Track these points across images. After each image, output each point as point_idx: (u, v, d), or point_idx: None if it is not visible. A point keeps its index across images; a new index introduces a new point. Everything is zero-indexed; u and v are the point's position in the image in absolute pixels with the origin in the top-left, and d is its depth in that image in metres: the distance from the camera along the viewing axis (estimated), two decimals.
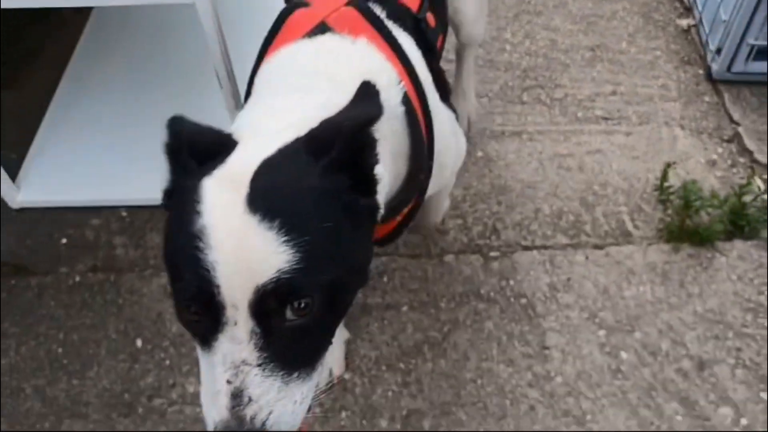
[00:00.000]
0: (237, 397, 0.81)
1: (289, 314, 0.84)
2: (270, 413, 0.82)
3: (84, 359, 1.93)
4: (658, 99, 2.46)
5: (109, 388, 1.87)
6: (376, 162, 0.96)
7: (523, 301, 1.97)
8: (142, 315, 2.00)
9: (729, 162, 2.25)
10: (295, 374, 0.86)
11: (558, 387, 1.81)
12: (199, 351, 0.90)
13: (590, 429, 1.73)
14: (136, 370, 1.90)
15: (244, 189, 0.85)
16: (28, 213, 2.28)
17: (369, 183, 0.96)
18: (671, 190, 2.04)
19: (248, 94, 1.25)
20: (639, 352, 1.86)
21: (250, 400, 0.81)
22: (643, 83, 2.52)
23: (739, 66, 2.38)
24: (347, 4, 1.21)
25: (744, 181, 2.13)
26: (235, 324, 0.83)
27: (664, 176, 2.03)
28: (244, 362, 0.82)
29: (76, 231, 2.23)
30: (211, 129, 0.95)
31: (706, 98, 2.46)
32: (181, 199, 0.89)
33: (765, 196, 2.06)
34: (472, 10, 1.91)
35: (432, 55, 1.35)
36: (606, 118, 2.42)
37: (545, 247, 2.09)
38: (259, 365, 0.83)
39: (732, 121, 2.37)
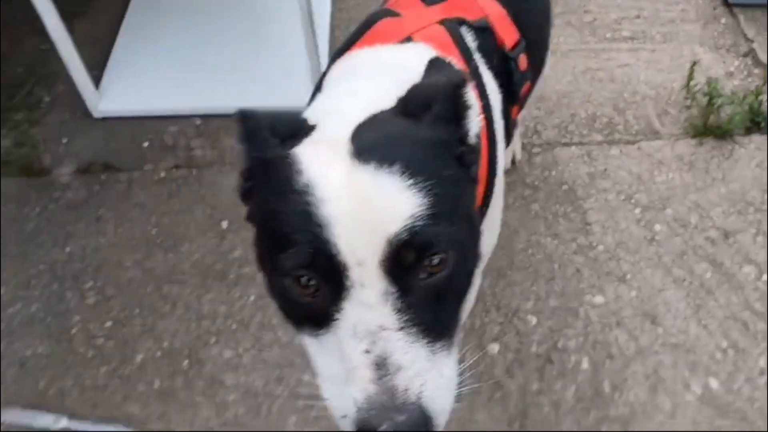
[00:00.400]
0: (381, 366, 0.70)
1: (424, 272, 0.75)
2: (424, 384, 0.70)
3: (176, 237, 2.16)
4: (679, 21, 2.71)
5: (201, 260, 2.10)
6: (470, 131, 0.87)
7: (565, 187, 2.21)
8: (225, 202, 2.23)
9: (745, 73, 2.50)
10: (438, 345, 0.75)
11: (600, 254, 2.05)
12: (309, 343, 0.80)
13: (631, 286, 1.97)
14: (224, 245, 2.13)
15: (346, 146, 0.77)
16: (109, 122, 2.51)
17: (469, 148, 0.87)
18: (696, 88, 2.28)
19: (317, 89, 1.16)
20: (671, 224, 2.10)
21: (399, 368, 0.70)
22: (665, 8, 2.76)
23: None
24: (440, 22, 1.13)
25: (760, 83, 2.37)
26: (363, 286, 0.72)
27: (691, 74, 2.27)
28: (381, 328, 0.72)
29: (155, 136, 2.45)
30: (286, 112, 0.87)
31: (723, 20, 2.70)
32: (272, 169, 0.80)
33: None
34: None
35: (511, 101, 1.24)
36: (632, 38, 2.66)
37: (582, 144, 2.33)
38: (401, 329, 0.72)
39: (747, 38, 2.61)
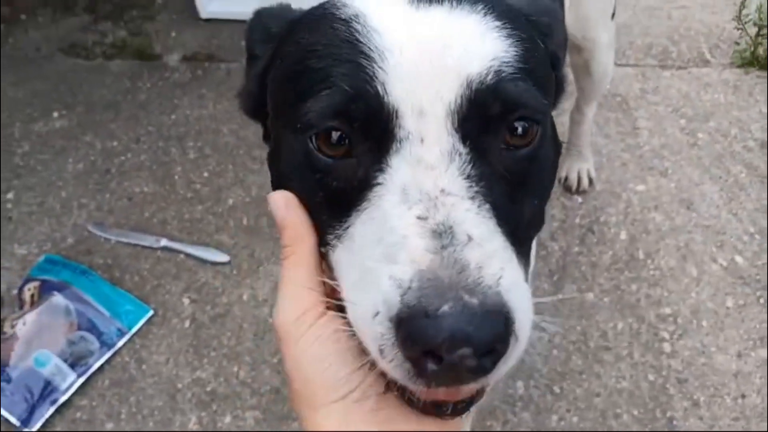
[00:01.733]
0: (443, 235, 0.53)
1: (504, 139, 0.60)
2: (504, 270, 0.53)
3: None
4: None
5: None
6: None
7: (618, 98, 2.44)
8: None
9: None
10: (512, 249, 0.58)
11: (646, 152, 2.27)
12: (331, 244, 0.62)
13: (671, 179, 2.18)
14: None
15: None
16: (213, 22, 2.84)
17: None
18: (748, 17, 2.49)
19: None
20: (712, 134, 2.31)
21: (469, 239, 0.53)
22: None
23: None
24: None
25: None
26: (422, 141, 0.57)
27: (743, 2, 2.48)
28: (444, 192, 0.55)
29: None
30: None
31: None
32: (301, 24, 0.69)
33: None
34: (604, 36, 1.73)
35: None
36: None
37: (637, 65, 2.55)
38: (471, 198, 0.56)
39: None
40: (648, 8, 2.78)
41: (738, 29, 2.54)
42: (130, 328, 1.92)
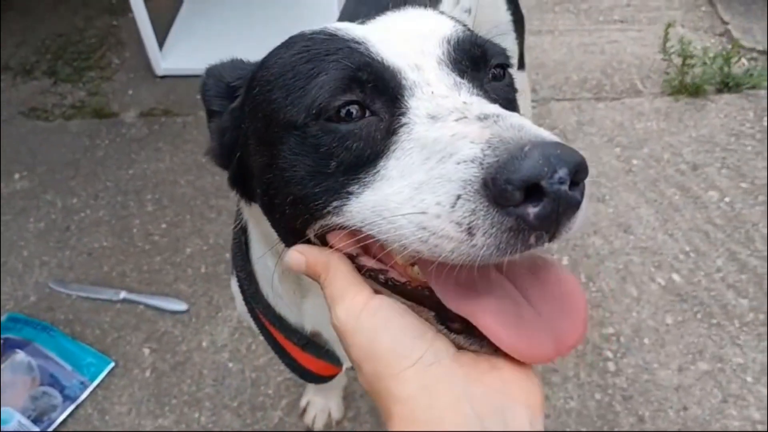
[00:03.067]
0: (488, 117, 0.58)
1: (488, 74, 0.72)
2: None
3: None
4: (664, 9, 3.09)
5: None
6: None
7: (556, 131, 2.56)
8: None
9: (720, 47, 2.86)
10: None
11: None
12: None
13: (609, 204, 2.30)
14: None
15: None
16: (168, 79, 2.94)
17: None
18: (672, 50, 2.64)
19: None
20: (646, 160, 2.43)
21: (512, 115, 0.59)
22: None
23: None
24: None
25: (730, 47, 2.73)
26: (429, 84, 0.66)
27: (666, 34, 2.64)
28: (466, 103, 0.63)
29: None
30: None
31: (703, 8, 3.08)
32: (277, 47, 0.77)
33: (745, 61, 2.65)
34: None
35: None
36: (621, 21, 3.05)
37: (573, 99, 2.69)
38: (492, 102, 0.65)
39: (723, 21, 2.98)
40: (582, 45, 2.93)
41: (664, 60, 2.70)
42: (92, 381, 1.96)
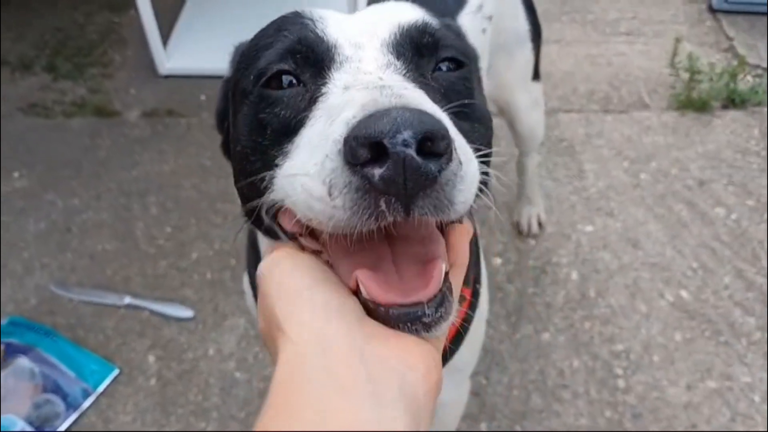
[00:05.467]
0: (384, 88, 0.58)
1: (434, 65, 0.71)
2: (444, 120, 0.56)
3: (227, 168, 2.49)
4: (669, 23, 3.11)
5: None
6: None
7: (565, 143, 2.57)
8: None
9: (725, 63, 2.87)
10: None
11: (592, 194, 2.38)
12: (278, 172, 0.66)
13: (617, 219, 2.30)
14: None
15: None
16: (172, 79, 2.90)
17: None
18: (680, 65, 2.65)
19: None
20: (654, 174, 2.44)
21: (405, 90, 0.59)
22: (658, 12, 3.17)
23: None
24: None
25: (736, 64, 2.75)
26: (360, 61, 0.67)
27: (675, 50, 2.65)
28: (382, 80, 0.63)
29: (212, 91, 2.83)
30: None
31: (708, 23, 3.10)
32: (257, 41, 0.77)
33: (750, 78, 2.67)
34: (524, 99, 1.82)
35: None
36: (628, 34, 3.06)
37: (581, 111, 2.69)
38: (413, 87, 0.63)
39: (728, 37, 3.00)
40: (589, 56, 2.94)
41: (671, 75, 2.71)
42: (95, 389, 1.92)
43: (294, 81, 0.68)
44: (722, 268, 2.15)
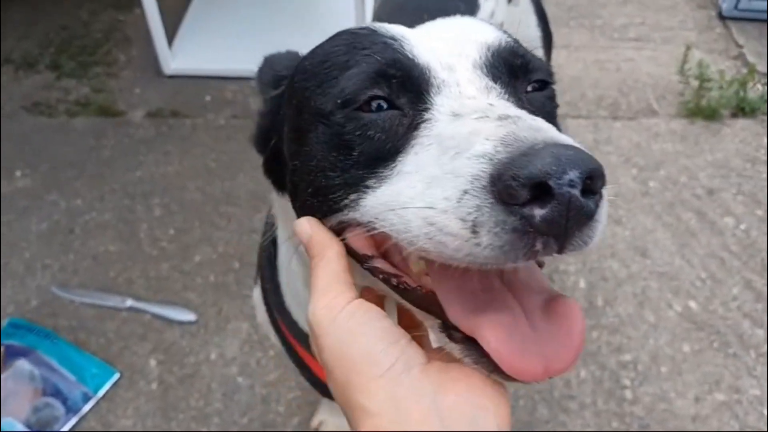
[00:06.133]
0: (509, 118, 0.57)
1: (527, 85, 0.70)
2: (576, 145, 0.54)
3: (232, 170, 2.49)
4: (678, 29, 3.09)
5: (254, 188, 2.42)
6: None
7: None
8: None
9: (734, 71, 2.85)
10: None
11: None
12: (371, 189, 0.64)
13: (626, 227, 2.28)
14: None
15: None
16: (177, 79, 2.88)
17: None
18: (690, 72, 2.63)
19: None
20: (663, 182, 2.41)
21: (533, 119, 0.57)
22: (666, 18, 3.15)
23: (744, 4, 3.01)
24: None
25: (746, 72, 2.73)
26: (458, 85, 0.65)
27: (685, 57, 2.63)
28: (492, 105, 0.61)
29: (217, 92, 2.81)
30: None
31: (717, 30, 3.08)
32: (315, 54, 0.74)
33: (760, 87, 2.65)
34: None
35: None
36: (636, 39, 3.03)
37: (590, 117, 2.66)
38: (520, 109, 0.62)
39: (737, 45, 2.98)
40: (597, 62, 2.91)
41: (681, 82, 2.68)
42: (96, 392, 1.90)
43: (385, 105, 0.65)
44: (731, 279, 2.13)
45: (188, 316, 2.06)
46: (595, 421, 1.84)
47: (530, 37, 1.65)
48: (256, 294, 1.21)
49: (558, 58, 2.92)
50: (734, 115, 2.63)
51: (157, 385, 1.92)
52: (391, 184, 0.61)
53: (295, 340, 1.10)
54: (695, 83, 2.63)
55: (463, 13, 1.38)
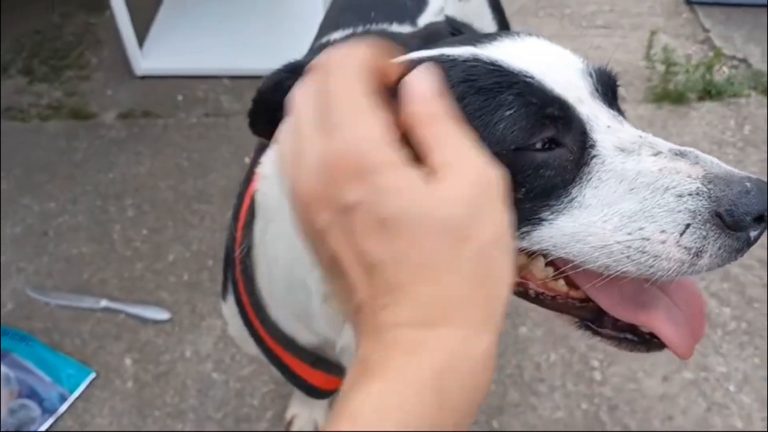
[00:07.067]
0: (683, 154, 0.68)
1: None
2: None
3: (204, 168, 2.51)
4: (646, 15, 3.11)
5: (226, 186, 2.43)
6: None
7: None
8: (249, 143, 2.57)
9: (701, 55, 2.88)
10: None
11: None
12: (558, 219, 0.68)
13: None
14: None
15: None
16: (148, 80, 2.89)
17: None
18: (655, 57, 2.66)
19: None
20: None
21: (701, 154, 0.68)
22: (634, 4, 3.18)
23: None
24: None
25: (711, 55, 2.76)
26: (597, 117, 0.70)
27: (650, 43, 2.66)
28: (641, 137, 0.71)
29: (189, 92, 2.82)
30: None
31: (684, 15, 3.11)
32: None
33: (726, 70, 2.68)
34: None
35: None
36: (605, 27, 3.06)
37: None
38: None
39: (704, 29, 3.01)
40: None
41: (648, 68, 2.71)
42: (72, 392, 1.91)
43: (549, 144, 0.68)
44: None
45: (162, 315, 2.07)
46: (564, 403, 1.87)
47: (485, 30, 1.65)
48: (228, 309, 1.18)
49: None
50: (701, 99, 2.66)
51: (132, 384, 1.94)
52: (572, 216, 0.67)
53: (279, 347, 1.10)
54: (662, 68, 2.66)
55: (411, 9, 1.39)
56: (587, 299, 0.73)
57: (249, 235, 1.01)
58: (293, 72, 0.71)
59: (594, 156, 0.68)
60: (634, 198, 0.65)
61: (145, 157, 2.56)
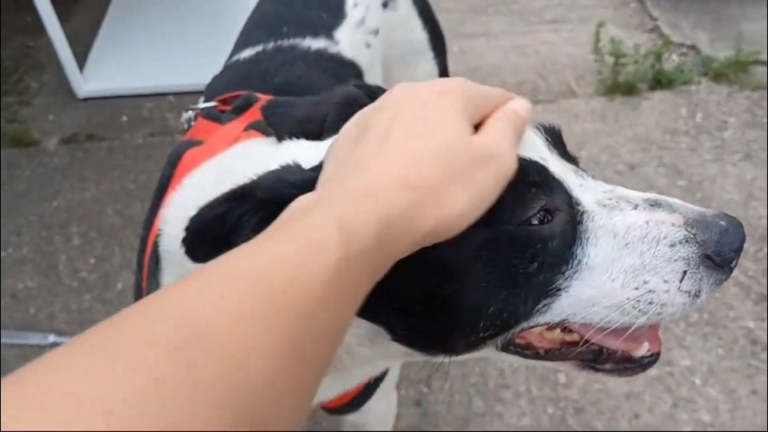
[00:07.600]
0: (658, 203, 0.72)
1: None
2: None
3: (151, 190, 2.39)
4: (595, 7, 3.10)
5: None
6: None
7: None
8: None
9: (650, 44, 2.88)
10: None
11: None
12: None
13: None
14: None
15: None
16: (91, 102, 2.80)
17: None
18: (604, 49, 2.65)
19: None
20: (585, 162, 2.39)
21: (670, 200, 0.74)
22: None
23: None
24: (246, 128, 0.93)
25: (660, 44, 2.76)
26: (566, 174, 0.72)
27: (597, 34, 2.64)
28: (610, 190, 0.75)
29: (133, 111, 2.74)
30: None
31: (632, 5, 3.11)
32: None
33: (675, 57, 2.68)
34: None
35: None
36: (554, 21, 3.04)
37: None
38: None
39: (652, 18, 3.01)
40: (516, 47, 2.91)
41: (597, 61, 2.70)
42: None
43: (543, 214, 0.67)
44: None
45: None
46: (530, 408, 1.84)
47: (415, 41, 1.60)
48: None
49: (477, 47, 2.92)
50: (652, 88, 2.66)
51: None
52: (583, 279, 0.69)
53: None
54: (610, 60, 2.65)
55: (327, 22, 1.34)
56: (581, 341, 0.73)
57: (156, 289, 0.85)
58: (241, 200, 0.63)
59: (583, 213, 0.69)
60: (632, 252, 0.68)
61: (90, 182, 2.47)
